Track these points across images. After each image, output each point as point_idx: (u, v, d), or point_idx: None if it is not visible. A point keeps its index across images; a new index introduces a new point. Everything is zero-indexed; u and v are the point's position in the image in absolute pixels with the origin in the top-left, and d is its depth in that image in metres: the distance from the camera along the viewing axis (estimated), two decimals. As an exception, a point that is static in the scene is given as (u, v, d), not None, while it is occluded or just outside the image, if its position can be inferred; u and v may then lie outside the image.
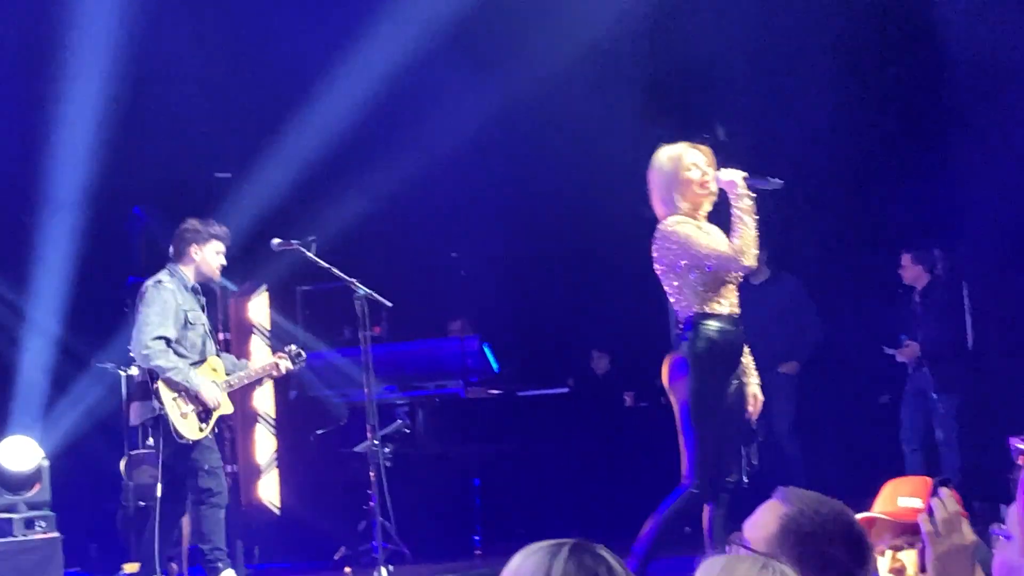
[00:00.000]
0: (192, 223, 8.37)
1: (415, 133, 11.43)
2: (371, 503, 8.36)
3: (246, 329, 10.47)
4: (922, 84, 11.37)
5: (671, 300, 6.62)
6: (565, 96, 11.33)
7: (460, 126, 11.14)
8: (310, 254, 8.04)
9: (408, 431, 10.00)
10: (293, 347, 8.55)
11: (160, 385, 8.04)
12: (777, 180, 6.67)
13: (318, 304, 11.71)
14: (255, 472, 10.40)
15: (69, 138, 10.38)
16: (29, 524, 8.54)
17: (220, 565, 8.12)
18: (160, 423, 7.99)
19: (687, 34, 11.69)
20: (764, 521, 2.92)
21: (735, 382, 6.66)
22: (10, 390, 10.19)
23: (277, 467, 10.53)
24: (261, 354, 10.48)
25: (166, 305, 8.11)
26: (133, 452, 9.00)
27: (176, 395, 8.04)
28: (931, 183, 11.20)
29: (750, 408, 6.77)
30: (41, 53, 10.35)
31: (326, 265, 7.95)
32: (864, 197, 11.68)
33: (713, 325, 6.53)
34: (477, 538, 10.31)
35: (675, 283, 6.53)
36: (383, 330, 11.34)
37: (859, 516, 3.26)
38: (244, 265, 10.60)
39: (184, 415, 8.06)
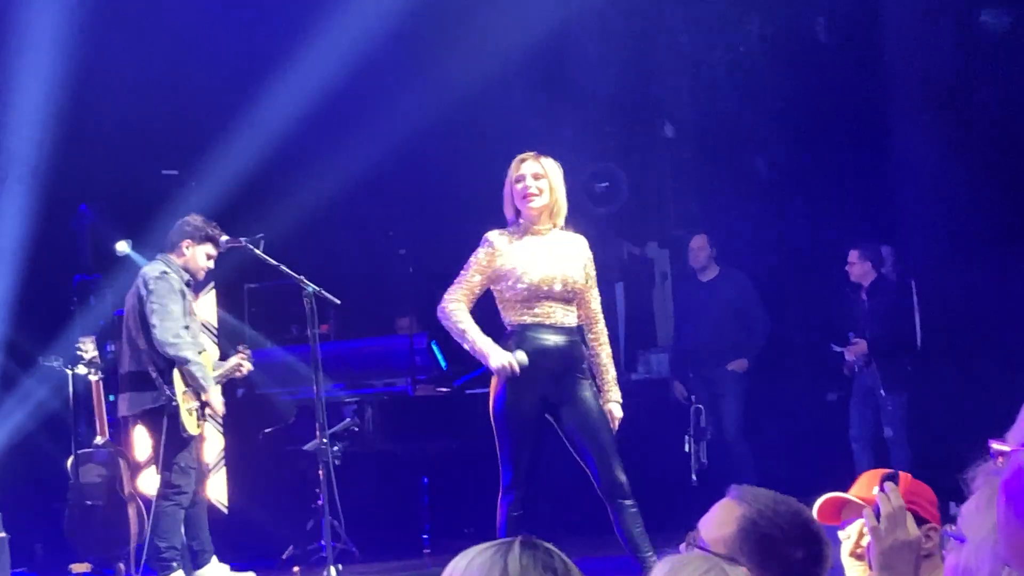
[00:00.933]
0: (194, 219, 8.47)
1: (361, 129, 11.40)
2: (319, 502, 8.33)
3: (193, 327, 10.42)
4: (868, 84, 11.45)
5: None
6: (512, 89, 11.35)
7: (406, 121, 11.13)
8: (258, 251, 8.01)
9: (357, 429, 9.98)
10: (244, 347, 8.58)
11: (177, 376, 8.08)
12: None
13: (266, 302, 11.67)
14: (203, 471, 10.35)
15: (15, 134, 10.30)
16: (-25, 524, 8.47)
17: (174, 564, 8.10)
18: (163, 414, 8.02)
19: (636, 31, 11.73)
20: (721, 521, 2.92)
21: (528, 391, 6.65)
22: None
23: (225, 466, 10.49)
24: (209, 352, 10.43)
25: (179, 297, 8.18)
26: (80, 451, 8.95)
27: (187, 389, 8.10)
28: (879, 179, 11.29)
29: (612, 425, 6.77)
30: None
31: (274, 262, 7.92)
32: (814, 193, 11.75)
33: (521, 335, 6.68)
34: (426, 536, 10.31)
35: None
36: (331, 328, 11.31)
37: (832, 495, 3.30)
38: (192, 263, 10.55)
39: (190, 411, 8.11)
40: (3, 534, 8.55)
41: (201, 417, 8.21)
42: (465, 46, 11.12)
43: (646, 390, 11.31)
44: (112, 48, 10.92)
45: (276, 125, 11.22)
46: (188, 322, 8.23)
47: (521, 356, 6.53)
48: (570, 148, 11.37)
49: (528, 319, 6.66)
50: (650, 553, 6.56)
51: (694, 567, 2.41)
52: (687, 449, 10.28)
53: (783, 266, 11.73)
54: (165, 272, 8.20)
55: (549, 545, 2.31)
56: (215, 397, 8.24)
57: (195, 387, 8.15)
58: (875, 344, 10.36)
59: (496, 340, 6.68)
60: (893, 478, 3.02)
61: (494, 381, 6.67)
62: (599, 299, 6.97)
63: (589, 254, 6.91)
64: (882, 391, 10.34)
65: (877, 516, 2.97)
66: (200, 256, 8.35)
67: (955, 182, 10.54)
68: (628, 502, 6.70)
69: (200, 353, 8.29)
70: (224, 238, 8.09)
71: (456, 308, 6.69)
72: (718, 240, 11.16)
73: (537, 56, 11.28)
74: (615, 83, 12.04)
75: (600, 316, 6.92)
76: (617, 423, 6.77)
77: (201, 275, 8.49)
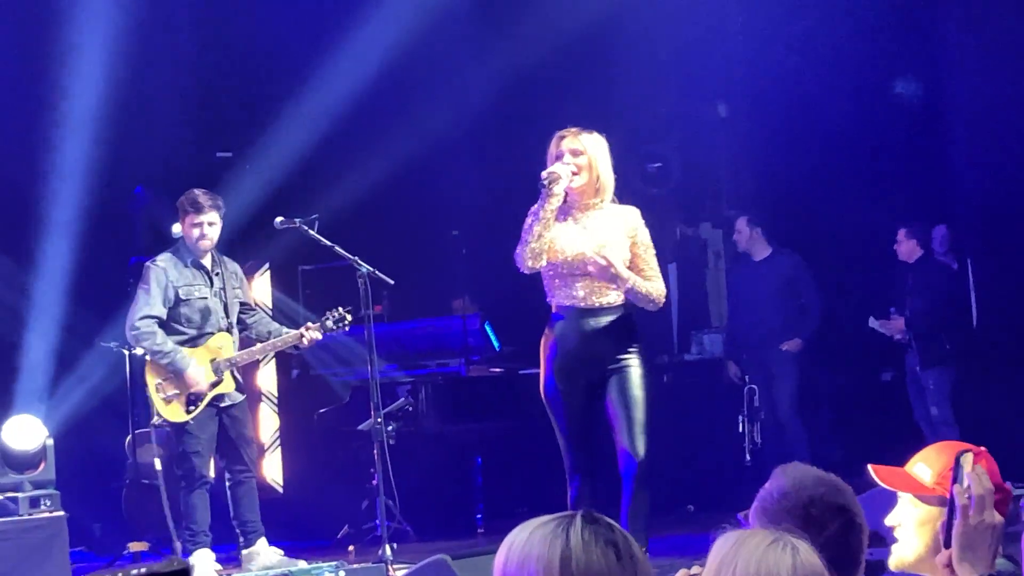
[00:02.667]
0: (181, 198, 8.38)
1: (416, 110, 11.42)
2: (374, 481, 8.37)
3: (248, 308, 10.48)
4: (925, 59, 11.37)
5: None
6: (564, 69, 11.33)
7: (462, 102, 11.15)
8: (312, 232, 8.04)
9: (411, 409, 10.02)
10: (338, 310, 8.36)
11: (147, 368, 8.14)
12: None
13: (320, 283, 11.71)
14: (259, 450, 10.43)
15: (72, 119, 10.37)
16: (34, 503, 8.55)
17: (189, 547, 8.16)
18: None
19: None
20: (766, 496, 2.96)
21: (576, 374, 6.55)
22: (15, 370, 10.22)
23: (280, 446, 10.55)
24: (228, 333, 10.49)
25: (156, 284, 8.18)
26: (138, 431, 9.03)
27: (161, 380, 8.12)
28: (936, 158, 11.22)
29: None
30: (43, 35, 10.34)
31: (328, 243, 7.95)
32: (869, 172, 11.68)
33: (564, 317, 6.59)
34: (479, 516, 10.34)
35: None
36: (385, 309, 11.35)
37: (902, 472, 3.30)
38: (246, 244, 10.62)
39: (167, 400, 8.12)
40: (62, 513, 8.63)
41: (191, 403, 8.17)
42: (520, 25, 11.11)
43: (699, 371, 11.30)
44: (167, 31, 10.99)
45: (330, 106, 11.25)
46: (186, 303, 8.24)
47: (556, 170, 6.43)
48: (622, 128, 11.37)
49: (567, 301, 6.55)
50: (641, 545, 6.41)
51: (760, 539, 2.43)
52: (741, 429, 10.28)
53: (838, 245, 11.66)
54: (154, 260, 8.30)
55: (611, 521, 2.32)
56: (190, 373, 8.10)
57: (170, 373, 8.14)
58: (912, 322, 10.33)
59: (542, 325, 6.65)
60: (964, 455, 3.00)
61: (543, 373, 6.59)
62: (656, 270, 6.73)
63: (638, 225, 6.69)
64: (918, 368, 10.34)
65: (950, 502, 2.97)
66: (188, 230, 8.32)
67: (1013, 162, 10.46)
68: (642, 487, 6.51)
69: (205, 336, 8.27)
70: (278, 219, 8.11)
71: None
72: (771, 220, 11.12)
73: (590, 36, 11.24)
74: (668, 63, 12.00)
75: (659, 292, 6.70)
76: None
77: (199, 250, 8.31)
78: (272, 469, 10.46)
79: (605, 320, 6.56)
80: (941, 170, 11.31)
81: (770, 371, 10.80)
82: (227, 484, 8.36)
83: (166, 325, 8.20)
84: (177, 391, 8.13)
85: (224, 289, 8.33)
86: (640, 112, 11.94)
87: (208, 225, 8.26)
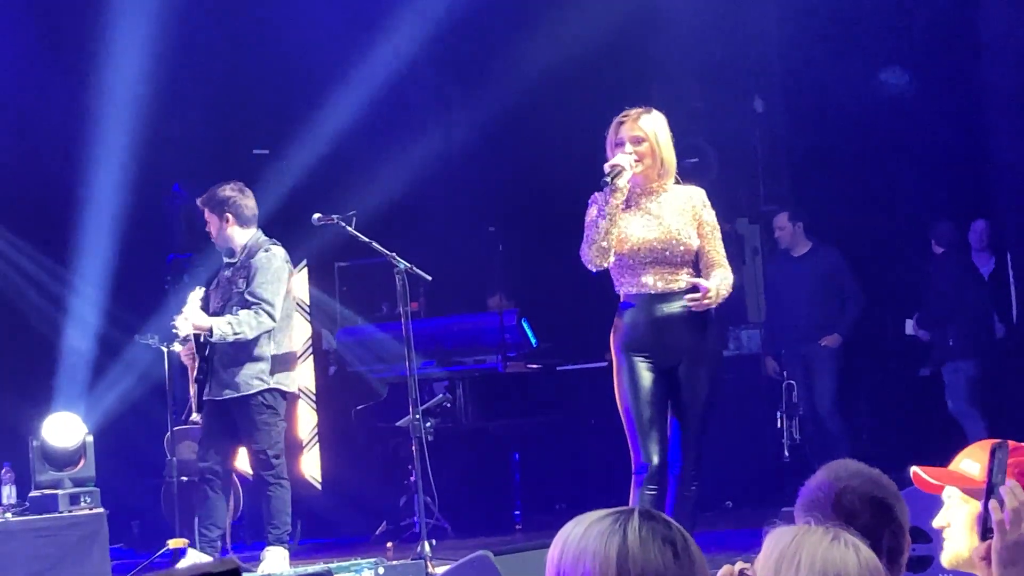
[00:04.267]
0: None
1: (452, 105, 11.43)
2: (412, 478, 8.38)
3: (286, 305, 10.50)
4: (962, 56, 11.30)
5: None
6: (601, 65, 11.30)
7: (498, 97, 11.13)
8: (349, 228, 8.02)
9: (448, 406, 10.03)
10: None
11: None
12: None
13: (357, 279, 11.74)
14: (296, 447, 10.45)
15: (110, 117, 10.42)
16: (74, 500, 8.59)
17: (208, 549, 8.19)
18: None
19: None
20: (809, 491, 2.94)
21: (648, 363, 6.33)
22: (54, 367, 10.28)
23: (318, 442, 10.57)
24: (301, 329, 10.52)
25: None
26: (176, 427, 9.06)
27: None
28: (974, 152, 11.15)
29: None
30: (82, 34, 10.39)
31: (366, 239, 7.94)
32: (907, 167, 11.61)
33: (633, 306, 6.38)
34: (517, 512, 10.34)
35: None
36: (421, 305, 11.35)
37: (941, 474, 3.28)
38: (284, 241, 10.64)
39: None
40: (101, 510, 8.67)
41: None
42: (556, 20, 11.10)
43: (737, 366, 11.25)
44: (204, 28, 11.02)
45: (366, 101, 11.27)
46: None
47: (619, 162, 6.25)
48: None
49: (636, 289, 6.35)
50: None
51: (820, 535, 2.41)
52: (779, 425, 10.24)
53: (876, 240, 11.60)
54: None
55: (669, 518, 2.30)
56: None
57: None
58: (925, 318, 10.49)
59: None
60: (1000, 448, 2.97)
61: (614, 363, 6.41)
62: (724, 254, 6.52)
63: (705, 206, 6.50)
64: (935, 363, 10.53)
65: (987, 490, 2.94)
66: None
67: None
68: (688, 485, 6.37)
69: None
70: (316, 216, 8.11)
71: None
72: (810, 215, 11.09)
73: (626, 30, 11.22)
74: (704, 58, 11.97)
75: (726, 272, 6.47)
76: (701, 295, 6.24)
77: (219, 246, 8.41)
78: (310, 466, 10.49)
79: (677, 306, 6.32)
80: (981, 164, 11.23)
81: (809, 367, 10.77)
82: None
83: None
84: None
85: (230, 280, 8.27)
86: (676, 107, 11.89)
87: (207, 223, 8.38)
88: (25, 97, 10.41)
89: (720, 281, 6.38)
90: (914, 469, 3.29)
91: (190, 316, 8.02)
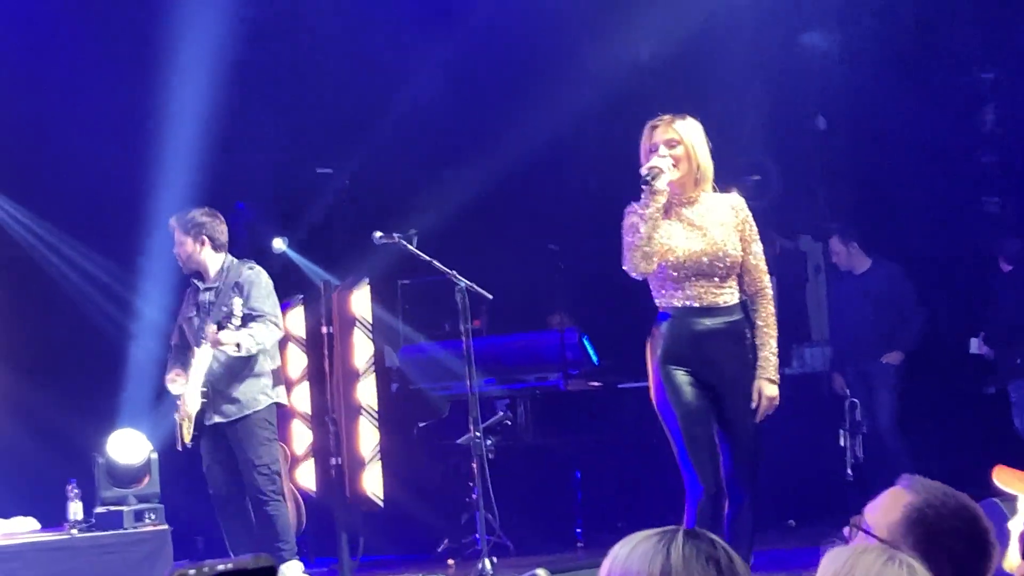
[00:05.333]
0: None
1: (511, 125, 11.44)
2: (473, 495, 8.39)
3: (348, 322, 10.54)
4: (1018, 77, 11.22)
5: None
6: (662, 82, 11.29)
7: (556, 116, 11.14)
8: (411, 247, 8.06)
9: (509, 423, 10.03)
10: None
11: None
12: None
13: (419, 297, 11.78)
14: (359, 464, 10.48)
15: (176, 135, 10.52)
16: (139, 516, 8.67)
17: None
18: None
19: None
20: (888, 507, 2.89)
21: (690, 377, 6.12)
22: (120, 384, 10.36)
23: (380, 459, 10.60)
24: (363, 347, 10.56)
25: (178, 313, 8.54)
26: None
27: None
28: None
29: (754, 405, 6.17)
30: (149, 54, 10.49)
31: (427, 258, 7.97)
32: (969, 183, 11.54)
33: (675, 319, 6.17)
34: (579, 530, 10.32)
35: None
36: (483, 323, 11.38)
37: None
38: (345, 259, 10.70)
39: (180, 422, 8.29)
40: (166, 526, 8.74)
41: (189, 425, 8.25)
42: (614, 39, 11.10)
43: (800, 385, 11.20)
44: (268, 47, 11.11)
45: (427, 121, 11.31)
46: (185, 328, 8.39)
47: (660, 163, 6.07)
48: (721, 141, 11.30)
49: (678, 302, 6.12)
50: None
51: (875, 556, 2.40)
52: (842, 443, 10.17)
53: (938, 256, 11.52)
54: None
55: (714, 536, 2.31)
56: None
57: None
58: (991, 335, 10.40)
59: (648, 326, 6.33)
60: None
61: (651, 378, 6.21)
62: (762, 261, 6.31)
63: (745, 214, 6.29)
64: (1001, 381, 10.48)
65: None
66: None
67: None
68: (746, 510, 6.15)
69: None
70: (377, 234, 8.15)
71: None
72: (871, 232, 11.05)
73: (687, 48, 11.21)
74: (767, 75, 11.94)
75: (762, 283, 6.25)
76: (768, 402, 6.14)
77: (188, 268, 8.47)
78: (372, 483, 10.50)
79: (721, 321, 6.15)
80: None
81: (870, 384, 10.72)
82: None
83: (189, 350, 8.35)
84: (179, 415, 8.30)
85: (213, 303, 8.25)
86: (738, 124, 11.88)
87: (176, 248, 8.40)
88: (96, 113, 10.51)
89: (771, 320, 6.26)
90: (999, 467, 3.26)
91: (222, 338, 8.02)
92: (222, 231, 8.38)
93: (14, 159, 10.37)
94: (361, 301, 10.57)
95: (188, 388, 8.15)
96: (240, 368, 8.16)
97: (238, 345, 8.00)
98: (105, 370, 10.44)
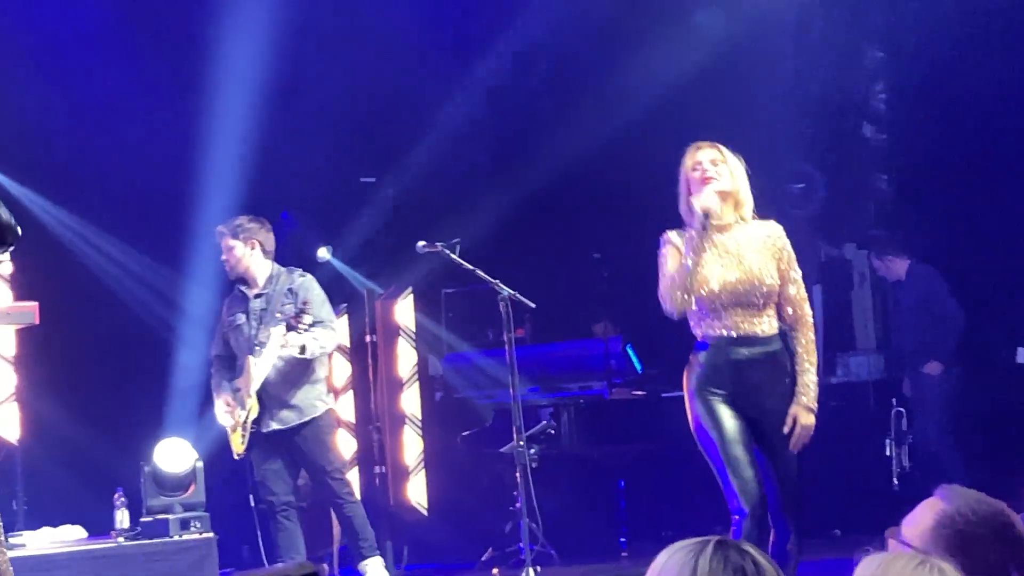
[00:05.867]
0: None
1: (554, 134, 11.45)
2: (517, 504, 8.38)
3: (392, 331, 10.58)
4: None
5: None
6: (707, 90, 11.27)
7: (599, 125, 11.14)
8: (454, 256, 8.07)
9: (553, 432, 10.03)
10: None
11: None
12: None
13: (462, 306, 11.80)
14: (403, 473, 10.51)
15: (221, 144, 10.57)
16: (184, 525, 8.70)
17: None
18: None
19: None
20: (920, 516, 2.88)
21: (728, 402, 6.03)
22: (166, 393, 10.42)
23: (424, 468, 10.62)
24: (407, 356, 10.58)
25: (217, 323, 8.54)
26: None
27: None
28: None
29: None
30: (195, 61, 10.56)
31: (470, 267, 7.97)
32: (1016, 189, 11.46)
33: (713, 348, 6.07)
34: (623, 539, 10.30)
35: None
36: (527, 332, 11.38)
37: None
38: (390, 268, 10.73)
39: (232, 430, 8.28)
40: (212, 535, 8.77)
41: (243, 433, 8.27)
42: (657, 48, 11.09)
43: (845, 393, 11.15)
44: (311, 57, 11.15)
45: (470, 130, 11.34)
46: (233, 335, 8.38)
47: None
48: (765, 149, 11.27)
49: (715, 331, 6.03)
50: None
51: (906, 561, 2.40)
52: (888, 453, 10.12)
53: (987, 264, 11.45)
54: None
55: (747, 546, 2.32)
56: (216, 409, 8.37)
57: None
58: None
59: (684, 348, 6.22)
60: None
61: (689, 406, 6.15)
62: (802, 289, 6.18)
63: (783, 243, 6.14)
64: None
65: None
66: None
67: None
68: (790, 540, 6.04)
69: (242, 365, 8.31)
70: (421, 243, 8.16)
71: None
72: (918, 239, 11.00)
73: (732, 57, 11.19)
74: (812, 83, 11.90)
75: (802, 311, 6.13)
76: (803, 431, 6.05)
77: (234, 273, 8.46)
78: (416, 492, 10.53)
79: (760, 351, 6.04)
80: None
81: (916, 393, 10.65)
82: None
83: (232, 359, 8.38)
84: (231, 422, 8.31)
85: (266, 309, 8.30)
86: (783, 132, 11.84)
87: (224, 253, 8.40)
88: (145, 121, 10.59)
89: (809, 356, 6.14)
90: None
91: (288, 340, 8.04)
92: (270, 238, 8.44)
93: (65, 167, 10.45)
94: (405, 310, 10.61)
95: (241, 396, 8.18)
96: (298, 375, 8.20)
97: (303, 348, 8.04)
98: (152, 380, 10.49)
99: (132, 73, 10.54)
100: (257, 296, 8.31)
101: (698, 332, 6.12)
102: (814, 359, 6.18)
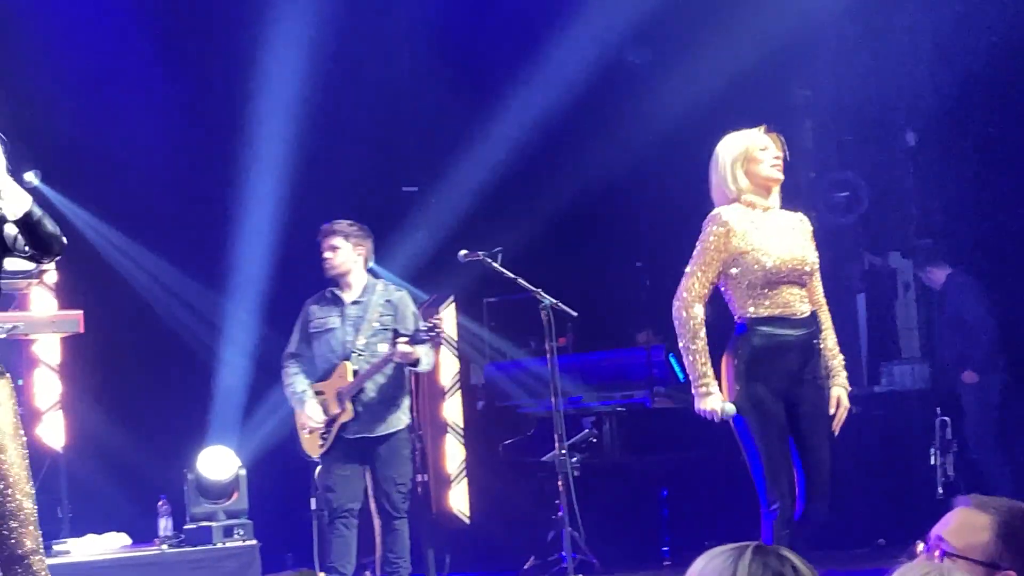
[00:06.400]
0: None
1: (596, 142, 11.45)
2: (559, 513, 8.38)
3: (434, 340, 10.59)
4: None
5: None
6: (748, 98, 11.25)
7: (641, 132, 11.13)
8: (496, 265, 8.08)
9: (595, 441, 10.01)
10: (428, 321, 8.12)
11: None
12: None
13: (504, 315, 11.81)
14: (445, 481, 10.52)
15: (263, 154, 10.63)
16: (228, 532, 8.74)
17: None
18: None
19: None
20: (972, 529, 2.86)
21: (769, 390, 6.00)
22: (209, 401, 10.47)
23: (466, 476, 10.63)
24: (449, 364, 10.60)
25: (299, 321, 8.41)
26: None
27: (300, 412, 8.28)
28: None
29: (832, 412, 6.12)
30: (237, 73, 10.61)
31: (512, 276, 7.98)
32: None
33: (760, 329, 6.02)
34: (666, 548, 10.28)
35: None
36: (569, 340, 11.37)
37: None
38: (432, 276, 10.74)
39: (308, 432, 8.24)
40: (255, 542, 8.80)
41: (323, 437, 8.20)
42: (701, 55, 11.06)
43: (889, 403, 11.09)
44: (353, 68, 11.19)
45: (513, 140, 11.34)
46: (317, 338, 8.30)
47: (730, 409, 5.96)
48: (808, 157, 11.24)
49: (765, 310, 5.98)
50: None
51: (916, 572, 2.40)
52: (933, 462, 10.05)
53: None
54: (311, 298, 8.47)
55: (785, 552, 2.31)
56: (297, 412, 8.29)
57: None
58: None
59: (726, 336, 6.13)
60: None
61: (728, 390, 6.06)
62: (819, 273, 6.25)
63: (808, 224, 6.27)
64: None
65: None
66: None
67: None
68: (819, 524, 6.05)
69: (335, 367, 8.25)
70: (463, 252, 8.17)
71: (697, 317, 6.00)
72: (963, 248, 10.95)
73: (773, 65, 11.16)
74: (854, 91, 11.85)
75: (821, 293, 6.21)
76: (844, 411, 6.10)
77: (333, 272, 8.37)
78: (458, 500, 10.54)
79: (802, 332, 6.03)
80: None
81: (958, 402, 10.59)
82: None
83: (311, 361, 8.34)
84: (311, 424, 8.23)
85: (363, 317, 8.28)
86: (827, 140, 11.80)
87: (329, 250, 8.34)
88: (184, 129, 10.66)
89: (834, 335, 6.24)
90: None
91: (417, 352, 8.03)
92: (372, 249, 8.44)
93: (107, 181, 10.52)
94: (447, 319, 10.62)
95: (326, 399, 8.19)
96: (394, 387, 8.22)
97: (417, 361, 8.08)
98: (195, 387, 10.55)
99: (173, 83, 10.61)
100: (354, 303, 8.31)
101: (743, 312, 6.06)
102: (837, 345, 6.25)
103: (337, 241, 8.28)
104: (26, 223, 4.64)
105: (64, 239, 4.78)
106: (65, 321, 9.02)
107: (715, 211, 6.12)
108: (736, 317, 6.12)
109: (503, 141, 11.36)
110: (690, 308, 6.03)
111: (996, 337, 10.64)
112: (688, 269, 6.09)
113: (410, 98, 11.51)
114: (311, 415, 8.14)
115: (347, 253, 8.28)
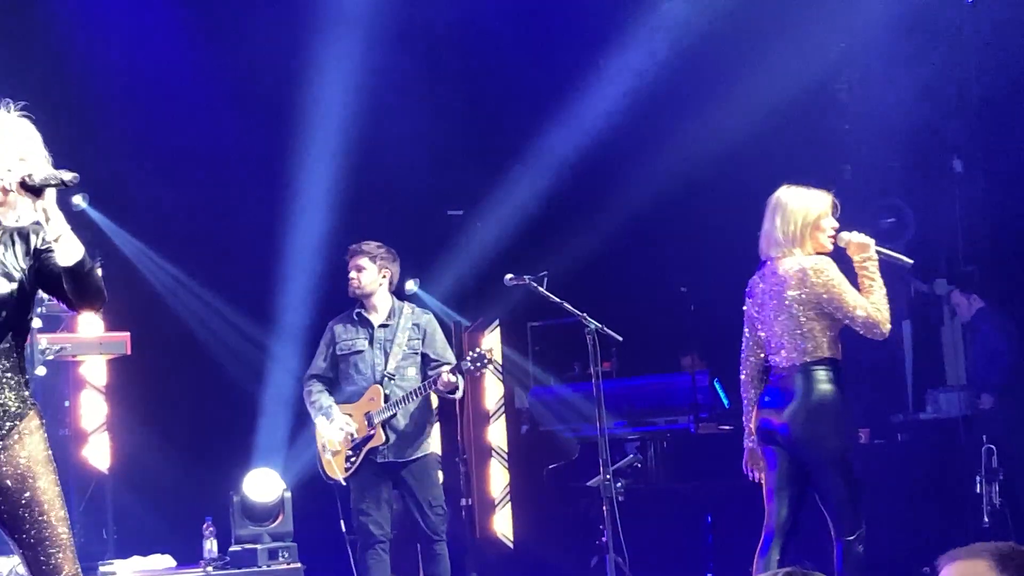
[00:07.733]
0: None
1: (641, 166, 11.45)
2: (603, 538, 8.36)
3: (479, 364, 10.60)
4: None
5: (785, 340, 6.56)
6: (792, 124, 11.23)
7: (685, 158, 11.13)
8: (541, 289, 8.07)
9: (639, 466, 10.00)
10: (477, 351, 8.20)
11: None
12: (907, 259, 6.77)
13: (549, 339, 11.82)
14: (489, 505, 10.52)
15: (308, 178, 10.68)
16: (273, 555, 8.77)
17: None
18: None
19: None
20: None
21: None
22: (254, 424, 10.51)
23: (510, 501, 10.63)
24: (494, 389, 10.61)
25: (323, 342, 8.44)
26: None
27: (322, 435, 8.26)
28: None
29: None
30: (283, 99, 10.68)
31: (557, 300, 7.97)
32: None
33: (828, 373, 6.55)
34: (710, 575, 10.24)
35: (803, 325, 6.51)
36: (613, 365, 11.36)
37: None
38: (477, 300, 10.77)
39: (332, 455, 8.21)
40: (300, 565, 8.83)
41: (348, 460, 8.19)
42: (745, 81, 11.06)
43: (935, 430, 11.02)
44: (398, 92, 11.23)
45: (558, 163, 11.37)
46: (343, 359, 8.31)
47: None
48: (853, 184, 11.21)
49: (840, 355, 6.60)
50: None
51: None
52: (978, 490, 9.98)
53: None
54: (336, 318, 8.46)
55: (816, 574, 2.32)
56: (320, 432, 8.27)
57: None
58: None
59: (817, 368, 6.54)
60: None
61: (843, 427, 6.70)
62: None
63: None
64: None
65: None
66: None
67: None
68: (841, 548, 6.63)
69: (364, 390, 8.25)
70: (508, 276, 8.18)
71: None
72: (1010, 276, 10.89)
73: (818, 90, 11.15)
74: (902, 118, 11.81)
75: None
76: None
77: (354, 296, 8.39)
78: (502, 524, 10.54)
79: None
80: None
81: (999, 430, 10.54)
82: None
83: (334, 382, 8.36)
84: (336, 447, 8.22)
85: (391, 340, 8.30)
86: (873, 167, 11.76)
87: (355, 271, 8.35)
88: (227, 154, 10.73)
89: None
90: None
91: (456, 381, 8.05)
92: (398, 272, 8.48)
93: (155, 207, 10.60)
94: (492, 343, 10.63)
95: (354, 421, 8.20)
96: (423, 412, 8.24)
97: (456, 389, 8.11)
98: (240, 410, 10.59)
99: (214, 108, 10.66)
100: (383, 326, 8.33)
101: (829, 355, 6.55)
102: None
103: (363, 262, 8.32)
104: (76, 272, 4.58)
105: (106, 296, 4.78)
106: (112, 343, 9.09)
107: (820, 258, 6.54)
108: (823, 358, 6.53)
109: (549, 165, 11.39)
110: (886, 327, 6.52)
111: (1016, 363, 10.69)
112: (857, 301, 6.48)
113: (456, 122, 11.54)
114: (342, 426, 8.15)
115: (372, 275, 8.32)
